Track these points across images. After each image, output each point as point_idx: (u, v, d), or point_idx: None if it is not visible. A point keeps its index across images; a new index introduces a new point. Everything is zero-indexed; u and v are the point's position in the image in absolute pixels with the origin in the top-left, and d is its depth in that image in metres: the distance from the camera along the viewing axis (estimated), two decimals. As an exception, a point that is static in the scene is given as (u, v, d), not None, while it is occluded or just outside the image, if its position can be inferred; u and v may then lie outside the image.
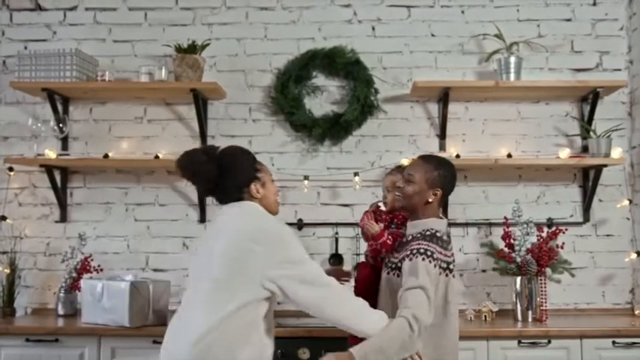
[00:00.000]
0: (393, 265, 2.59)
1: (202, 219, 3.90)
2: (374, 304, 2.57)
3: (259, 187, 2.48)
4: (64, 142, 3.93)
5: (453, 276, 2.52)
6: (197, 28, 4.00)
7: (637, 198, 3.83)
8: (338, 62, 3.89)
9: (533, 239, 3.53)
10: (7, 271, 3.74)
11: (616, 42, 3.96)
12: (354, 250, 3.84)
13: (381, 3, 4.00)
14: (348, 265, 3.77)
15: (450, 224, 3.81)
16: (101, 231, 3.92)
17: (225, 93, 3.92)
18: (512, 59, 3.74)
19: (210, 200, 3.91)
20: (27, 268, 3.89)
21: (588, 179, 3.86)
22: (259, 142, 3.93)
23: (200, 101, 3.79)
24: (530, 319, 3.48)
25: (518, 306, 3.51)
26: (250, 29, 4.00)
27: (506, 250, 3.56)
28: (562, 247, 3.54)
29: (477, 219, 3.89)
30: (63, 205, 3.91)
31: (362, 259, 3.39)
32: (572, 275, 3.59)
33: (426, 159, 2.61)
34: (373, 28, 4.00)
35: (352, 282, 3.03)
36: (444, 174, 2.55)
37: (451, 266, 2.50)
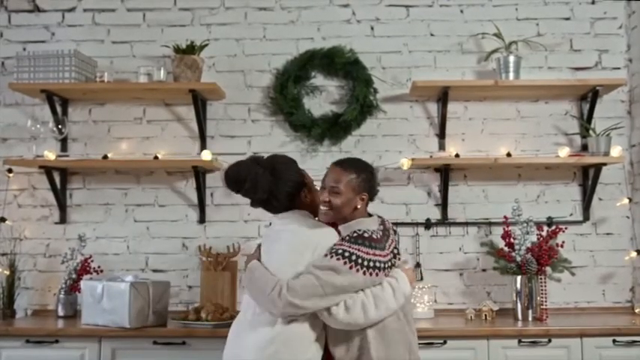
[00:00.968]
0: None
1: (202, 219, 3.90)
2: None
3: (307, 192, 2.55)
4: (64, 143, 3.93)
5: (386, 274, 2.45)
6: (196, 29, 4.00)
7: (637, 196, 3.83)
8: (337, 62, 3.89)
9: (533, 238, 3.53)
10: (7, 272, 3.74)
11: (615, 40, 3.96)
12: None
13: (379, 3, 3.99)
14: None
15: (450, 223, 3.85)
16: (101, 232, 3.92)
17: (225, 93, 3.92)
18: (512, 58, 3.74)
19: (209, 201, 3.91)
20: (27, 270, 3.89)
21: (588, 178, 3.86)
22: (258, 142, 3.93)
23: (199, 102, 3.79)
24: (530, 318, 3.48)
25: (519, 305, 3.51)
26: (249, 29, 4.00)
27: (506, 249, 3.56)
28: (562, 246, 3.53)
29: (477, 218, 3.89)
30: (62, 206, 3.90)
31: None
32: (573, 274, 3.59)
33: (345, 166, 2.51)
34: (372, 28, 4.00)
35: None
36: (366, 177, 2.51)
37: (382, 265, 2.41)
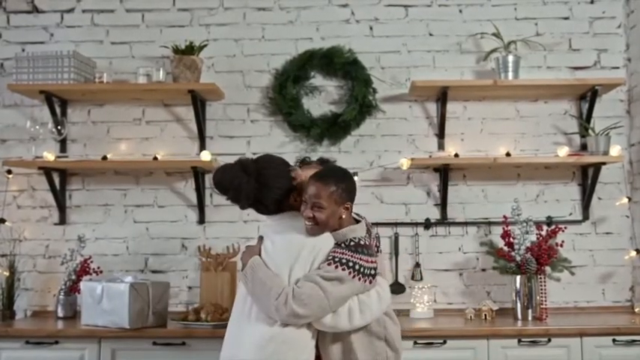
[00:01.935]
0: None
1: (201, 220, 3.90)
2: None
3: (297, 196, 2.49)
4: (63, 144, 3.93)
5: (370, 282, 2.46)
6: (194, 29, 3.99)
7: (636, 195, 3.83)
8: (336, 62, 3.89)
9: (533, 238, 3.53)
10: (7, 273, 3.73)
11: (614, 40, 3.96)
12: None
13: (378, 3, 3.99)
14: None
15: (450, 223, 3.86)
16: (100, 233, 3.92)
17: (224, 94, 3.92)
18: (511, 58, 3.74)
19: (209, 201, 3.91)
20: (26, 271, 3.89)
21: (587, 177, 3.86)
22: (258, 142, 3.93)
23: (198, 102, 3.79)
24: (530, 318, 3.48)
25: (518, 305, 3.51)
26: (248, 30, 4.00)
27: (505, 248, 3.56)
28: (561, 246, 3.54)
29: (477, 218, 3.89)
30: (62, 207, 3.90)
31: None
32: (572, 273, 3.59)
33: (324, 180, 2.42)
34: (371, 28, 4.00)
35: None
36: (346, 187, 2.44)
37: (375, 271, 2.43)
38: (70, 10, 4.03)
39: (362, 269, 2.37)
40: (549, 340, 3.24)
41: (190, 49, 3.77)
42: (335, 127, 3.88)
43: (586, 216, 3.88)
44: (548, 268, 3.51)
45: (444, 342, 3.23)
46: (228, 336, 2.49)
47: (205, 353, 3.18)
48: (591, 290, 3.85)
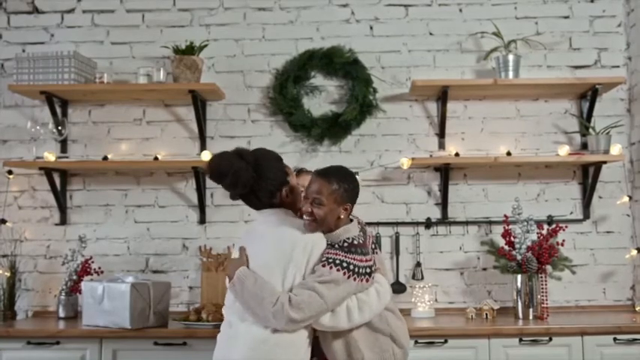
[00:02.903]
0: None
1: (202, 220, 3.90)
2: None
3: (288, 192, 2.49)
4: (63, 144, 3.93)
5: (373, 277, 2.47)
6: (195, 30, 4.00)
7: (637, 194, 3.83)
8: (336, 62, 3.89)
9: (534, 237, 3.53)
10: (8, 274, 3.74)
11: (614, 39, 3.96)
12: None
13: (378, 2, 4.00)
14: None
15: (450, 223, 3.85)
16: (101, 233, 3.92)
17: (224, 94, 3.92)
18: (511, 57, 3.74)
19: (209, 201, 3.91)
20: (27, 271, 3.89)
21: (588, 176, 3.86)
22: (258, 142, 3.92)
23: (199, 102, 3.79)
24: (531, 317, 3.48)
25: (519, 304, 3.51)
26: (248, 30, 4.00)
27: (506, 248, 3.56)
28: (562, 245, 3.53)
29: (477, 217, 3.89)
30: (63, 207, 3.90)
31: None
32: (573, 272, 3.59)
33: (328, 177, 2.43)
34: (371, 28, 4.00)
35: None
36: (349, 188, 2.45)
37: (371, 270, 2.44)
38: (71, 11, 4.04)
39: (357, 269, 2.36)
40: (550, 339, 3.24)
41: (191, 50, 3.77)
42: (335, 127, 3.88)
43: (587, 215, 3.88)
44: (549, 267, 3.51)
45: (445, 341, 3.23)
46: (220, 337, 2.48)
47: (206, 353, 3.13)
48: (592, 289, 3.85)
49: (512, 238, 3.55)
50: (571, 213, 3.89)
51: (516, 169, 3.90)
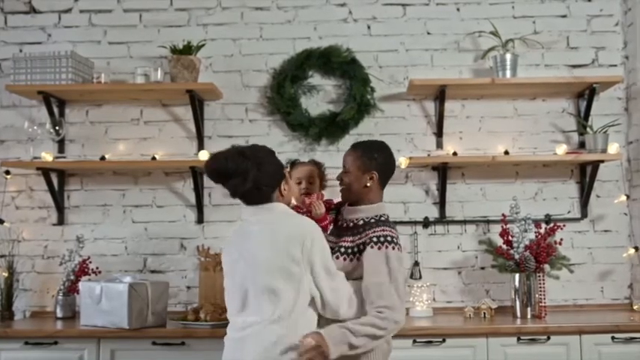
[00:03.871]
0: (348, 250, 2.55)
1: (200, 220, 3.90)
2: None
3: (285, 185, 2.54)
4: (61, 144, 3.93)
5: None
6: (192, 29, 3.99)
7: (634, 193, 3.83)
8: (334, 61, 3.89)
9: (532, 236, 3.54)
10: (5, 274, 3.73)
11: (611, 38, 3.97)
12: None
13: (376, 2, 3.99)
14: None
15: (448, 222, 3.86)
16: (99, 233, 3.92)
17: (222, 93, 3.91)
18: (508, 56, 3.74)
19: (207, 201, 3.91)
20: (25, 272, 3.89)
21: (585, 175, 3.87)
22: (256, 142, 3.80)
23: (196, 102, 3.79)
24: (529, 316, 3.48)
25: (517, 303, 3.51)
26: (246, 29, 4.00)
27: (504, 247, 3.56)
28: (560, 244, 3.54)
29: (475, 216, 3.89)
30: (60, 207, 3.90)
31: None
32: (571, 271, 3.59)
33: (355, 146, 2.68)
34: (369, 27, 4.00)
35: None
36: (375, 156, 2.61)
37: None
38: (68, 11, 4.03)
39: (399, 241, 2.51)
40: (548, 338, 3.24)
41: (188, 49, 3.77)
42: (333, 127, 3.88)
43: (584, 214, 3.88)
44: (547, 266, 3.51)
45: (444, 340, 3.24)
46: (229, 342, 2.46)
47: (205, 353, 3.18)
48: (590, 288, 3.85)
49: (510, 237, 3.55)
50: (569, 212, 3.90)
51: (514, 168, 3.91)
